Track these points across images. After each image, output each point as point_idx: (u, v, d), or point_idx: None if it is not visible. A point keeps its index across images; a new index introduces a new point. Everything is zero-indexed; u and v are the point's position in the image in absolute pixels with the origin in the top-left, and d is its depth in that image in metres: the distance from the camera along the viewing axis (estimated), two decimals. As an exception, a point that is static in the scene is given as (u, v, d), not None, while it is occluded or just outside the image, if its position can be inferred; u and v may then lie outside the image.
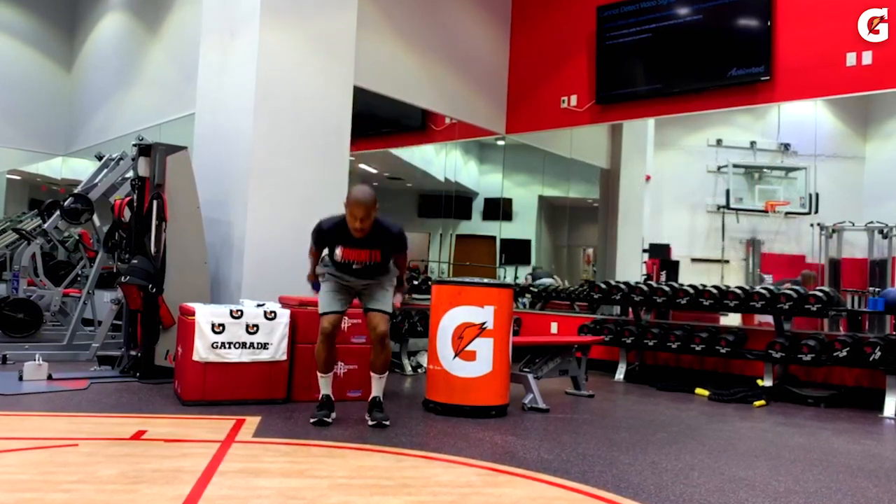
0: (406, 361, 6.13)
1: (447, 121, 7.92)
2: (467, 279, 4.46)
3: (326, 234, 3.84)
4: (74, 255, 7.78)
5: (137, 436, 3.27)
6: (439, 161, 8.45)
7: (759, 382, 5.65)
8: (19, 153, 10.89)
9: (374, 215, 3.68)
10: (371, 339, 3.91)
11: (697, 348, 5.92)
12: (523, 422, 4.19)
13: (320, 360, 3.88)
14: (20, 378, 4.45)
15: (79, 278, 7.02)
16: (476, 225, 8.83)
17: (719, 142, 7.06)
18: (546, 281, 8.21)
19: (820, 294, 5.48)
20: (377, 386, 3.92)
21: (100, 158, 6.41)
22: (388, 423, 3.80)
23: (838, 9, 6.04)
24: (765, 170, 6.87)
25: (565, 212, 8.40)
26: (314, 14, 5.70)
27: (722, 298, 5.91)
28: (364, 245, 3.76)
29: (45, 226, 6.22)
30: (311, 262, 4.03)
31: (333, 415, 3.83)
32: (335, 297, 3.89)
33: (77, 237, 7.65)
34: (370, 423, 3.81)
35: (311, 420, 3.76)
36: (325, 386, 3.93)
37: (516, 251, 8.54)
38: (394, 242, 3.85)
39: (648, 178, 7.70)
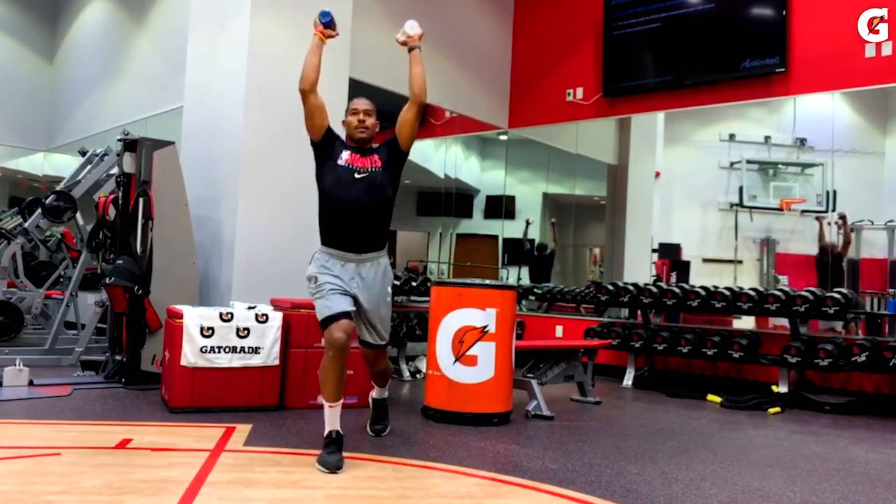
0: (404, 367, 6.07)
1: (447, 114, 7.89)
2: (468, 280, 4.44)
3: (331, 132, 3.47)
4: (57, 256, 7.81)
5: (123, 444, 3.24)
6: (439, 157, 8.42)
7: (774, 388, 5.60)
8: (-1, 148, 10.83)
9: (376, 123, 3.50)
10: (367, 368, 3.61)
11: (709, 353, 5.88)
12: (527, 430, 4.15)
13: (329, 382, 3.08)
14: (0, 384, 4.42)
15: (61, 279, 7.04)
16: (477, 224, 8.85)
17: (732, 136, 7.01)
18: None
19: (837, 296, 5.45)
20: (378, 391, 3.74)
21: (83, 154, 6.40)
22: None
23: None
24: (780, 166, 6.84)
25: (571, 210, 8.35)
26: (307, 3, 5.59)
27: (735, 300, 5.87)
28: (365, 153, 3.44)
29: (26, 224, 6.18)
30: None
31: (344, 456, 3.04)
32: (338, 293, 3.13)
33: (59, 236, 7.67)
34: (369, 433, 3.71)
35: (318, 463, 2.99)
36: (332, 419, 3.09)
37: (520, 251, 8.44)
38: (390, 141, 3.54)
39: (658, 174, 7.67)
